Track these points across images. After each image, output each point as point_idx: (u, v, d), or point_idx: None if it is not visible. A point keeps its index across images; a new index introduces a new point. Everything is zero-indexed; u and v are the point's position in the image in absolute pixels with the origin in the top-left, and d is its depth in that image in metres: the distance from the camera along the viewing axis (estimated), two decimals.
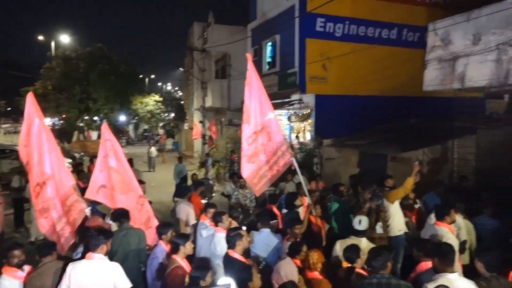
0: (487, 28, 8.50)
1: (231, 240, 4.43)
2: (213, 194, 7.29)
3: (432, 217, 5.40)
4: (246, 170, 5.83)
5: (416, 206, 6.74)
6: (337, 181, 9.12)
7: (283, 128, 16.44)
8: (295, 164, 6.03)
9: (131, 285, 3.96)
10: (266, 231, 5.19)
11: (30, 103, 5.23)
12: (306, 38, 13.90)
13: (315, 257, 4.13)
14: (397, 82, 14.04)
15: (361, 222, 4.99)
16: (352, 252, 4.23)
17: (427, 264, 3.95)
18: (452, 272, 3.56)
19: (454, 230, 5.24)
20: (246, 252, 4.67)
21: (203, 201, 7.15)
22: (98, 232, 4.10)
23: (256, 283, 3.66)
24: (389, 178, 6.81)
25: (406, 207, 6.43)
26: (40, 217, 5.21)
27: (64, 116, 33.82)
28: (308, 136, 14.82)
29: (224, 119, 22.65)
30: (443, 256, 3.61)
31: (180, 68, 38.42)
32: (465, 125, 9.99)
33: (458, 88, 9.33)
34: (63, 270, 3.92)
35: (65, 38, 33.49)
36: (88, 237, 4.11)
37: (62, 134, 34.63)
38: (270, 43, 16.59)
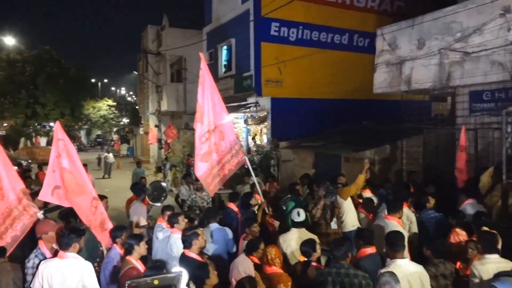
0: (430, 34, 9.03)
1: (187, 239, 4.40)
2: (164, 194, 7.24)
3: (383, 211, 5.67)
4: (200, 169, 5.78)
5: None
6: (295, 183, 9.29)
7: (241, 131, 16.54)
8: (248, 163, 6.09)
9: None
10: (214, 226, 5.43)
11: None
12: (261, 42, 14.10)
13: (273, 252, 4.19)
14: (349, 85, 14.58)
15: (299, 214, 5.20)
16: (308, 246, 4.34)
17: (366, 251, 4.21)
18: (402, 258, 3.77)
19: (404, 224, 5.53)
20: None
21: (158, 204, 7.07)
22: (69, 230, 4.07)
23: (213, 280, 3.66)
24: (342, 176, 7.02)
25: (366, 207, 6.62)
26: None
27: (7, 122, 32.02)
28: (264, 139, 14.98)
29: (180, 123, 22.39)
30: (393, 243, 3.83)
31: (134, 72, 37.56)
32: (412, 126, 10.53)
33: (405, 90, 9.82)
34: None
35: (9, 40, 31.76)
36: (60, 236, 4.09)
37: (7, 141, 32.72)
38: (225, 47, 16.64)
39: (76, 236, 4.01)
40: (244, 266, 4.24)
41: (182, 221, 5.30)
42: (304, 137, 13.98)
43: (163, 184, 7.63)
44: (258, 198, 6.57)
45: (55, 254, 4.20)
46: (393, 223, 5.07)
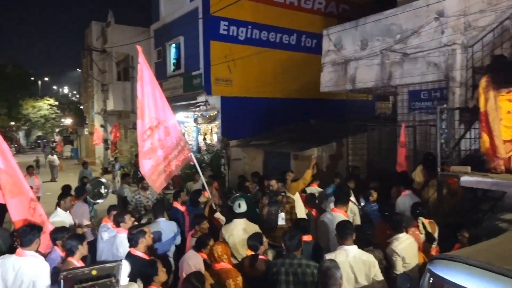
0: (372, 35, 9.43)
1: (134, 238, 4.29)
2: (105, 191, 7.11)
3: (330, 205, 5.85)
4: (144, 166, 5.64)
5: None
6: (244, 179, 9.34)
7: (191, 130, 16.34)
8: (194, 160, 6.05)
9: None
10: (161, 220, 5.53)
11: None
12: (211, 41, 14.02)
13: (219, 249, 4.19)
14: (298, 85, 14.89)
15: (240, 205, 5.37)
16: (256, 240, 4.37)
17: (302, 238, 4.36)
18: (351, 245, 3.96)
19: (348, 216, 5.74)
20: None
21: (101, 200, 6.94)
22: (30, 227, 4.00)
23: (162, 277, 3.59)
24: (290, 172, 7.14)
25: (309, 202, 6.84)
26: None
27: None
28: (215, 138, 14.91)
29: (128, 122, 21.70)
30: (341, 232, 4.05)
31: (78, 70, 35.89)
32: (357, 124, 10.95)
33: (350, 89, 10.18)
34: None
35: None
36: (21, 233, 3.99)
37: None
38: (174, 45, 16.37)
39: (37, 232, 3.98)
40: (194, 261, 4.22)
41: (129, 220, 5.16)
42: (254, 135, 14.09)
43: (103, 180, 7.44)
44: (206, 195, 6.55)
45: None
46: (339, 215, 5.22)
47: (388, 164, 9.13)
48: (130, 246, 4.32)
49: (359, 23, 9.76)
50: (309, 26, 15.78)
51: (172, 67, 16.60)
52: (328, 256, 3.82)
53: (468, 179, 5.44)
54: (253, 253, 4.33)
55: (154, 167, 5.63)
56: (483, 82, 5.68)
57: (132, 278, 3.56)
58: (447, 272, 2.88)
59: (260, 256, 4.30)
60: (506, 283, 2.43)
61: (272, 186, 6.07)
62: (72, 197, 6.51)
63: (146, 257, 4.24)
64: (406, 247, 4.36)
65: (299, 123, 14.53)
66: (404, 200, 6.02)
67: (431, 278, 3.00)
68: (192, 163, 6.10)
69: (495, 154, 5.52)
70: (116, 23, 23.05)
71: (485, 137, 5.63)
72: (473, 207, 6.48)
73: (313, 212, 6.60)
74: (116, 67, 23.61)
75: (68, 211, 6.15)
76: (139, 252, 4.25)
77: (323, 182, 8.06)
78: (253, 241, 4.37)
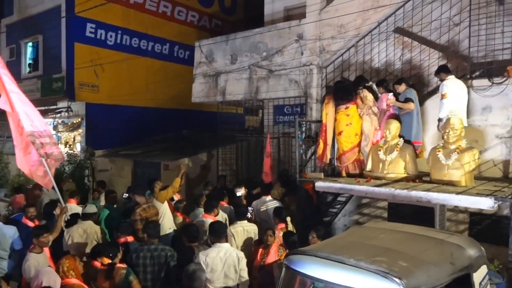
0: (242, 51, 9.96)
1: None
2: None
3: (200, 211, 6.07)
4: (26, 163, 5.17)
5: None
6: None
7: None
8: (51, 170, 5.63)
9: None
10: None
11: None
12: (75, 42, 13.02)
13: (66, 264, 4.10)
14: (170, 95, 14.76)
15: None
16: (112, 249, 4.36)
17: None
18: (224, 242, 4.59)
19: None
20: None
21: None
22: None
23: None
24: (159, 181, 7.03)
25: (177, 209, 6.92)
26: None
27: None
28: (78, 147, 13.78)
29: None
30: (216, 231, 4.62)
31: None
32: (227, 135, 11.37)
33: (221, 101, 10.53)
34: None
35: None
36: None
37: None
38: (31, 43, 14.74)
39: None
40: (50, 278, 3.85)
41: None
42: (123, 145, 13.46)
43: None
44: (60, 207, 6.03)
45: None
46: (209, 220, 5.53)
47: (256, 172, 9.67)
48: None
49: (230, 37, 10.22)
50: (182, 37, 15.83)
51: (28, 68, 14.89)
52: (201, 254, 4.36)
53: (321, 184, 6.08)
54: (110, 261, 4.16)
55: (38, 162, 5.13)
56: (325, 99, 6.79)
57: None
58: (299, 264, 3.20)
59: (118, 264, 4.17)
60: (342, 268, 2.89)
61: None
62: None
63: None
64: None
65: (171, 133, 14.38)
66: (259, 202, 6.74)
67: (286, 272, 3.28)
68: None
69: (324, 158, 6.68)
70: None
71: (321, 144, 6.67)
72: (327, 209, 7.27)
73: (186, 219, 6.70)
74: None
75: None
76: None
77: (193, 191, 8.16)
78: (109, 250, 4.27)
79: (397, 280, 2.62)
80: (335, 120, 6.52)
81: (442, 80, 5.95)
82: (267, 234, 4.96)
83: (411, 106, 6.00)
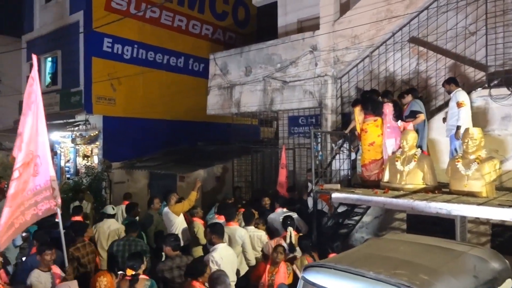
0: (256, 63, 10.02)
1: None
2: None
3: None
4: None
5: None
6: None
7: (68, 152, 15.08)
8: (59, 216, 4.65)
9: None
10: None
11: None
12: (93, 57, 13.30)
13: (104, 282, 4.19)
14: (185, 107, 14.91)
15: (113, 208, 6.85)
16: (135, 259, 4.31)
17: None
18: (222, 243, 4.96)
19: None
20: None
21: None
22: None
23: None
24: (175, 193, 7.04)
25: (192, 214, 6.85)
26: None
27: None
28: (95, 159, 13.98)
29: None
30: (216, 232, 4.94)
31: None
32: (242, 147, 11.40)
33: (235, 113, 10.59)
34: None
35: None
36: None
37: None
38: (50, 58, 15.12)
39: None
40: None
41: None
42: (139, 157, 13.60)
43: None
44: None
45: None
46: (198, 224, 6.28)
47: (270, 184, 9.64)
48: None
49: (244, 50, 10.31)
50: (196, 51, 16.05)
51: (47, 82, 15.25)
52: (214, 253, 4.73)
53: (338, 195, 6.02)
54: (133, 272, 4.14)
55: (9, 219, 4.08)
56: (356, 110, 6.81)
57: None
58: (318, 277, 3.15)
59: (141, 276, 4.15)
60: (361, 281, 2.84)
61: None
62: None
63: None
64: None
65: (186, 145, 14.48)
66: (275, 216, 6.65)
67: (304, 285, 3.24)
68: (56, 220, 4.74)
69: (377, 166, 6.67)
70: None
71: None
72: (343, 221, 7.18)
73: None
74: None
75: None
76: None
77: (208, 203, 8.17)
78: (133, 261, 4.22)
79: None
80: (364, 130, 6.68)
81: (449, 92, 6.06)
82: (277, 251, 4.79)
83: (422, 117, 6.31)
